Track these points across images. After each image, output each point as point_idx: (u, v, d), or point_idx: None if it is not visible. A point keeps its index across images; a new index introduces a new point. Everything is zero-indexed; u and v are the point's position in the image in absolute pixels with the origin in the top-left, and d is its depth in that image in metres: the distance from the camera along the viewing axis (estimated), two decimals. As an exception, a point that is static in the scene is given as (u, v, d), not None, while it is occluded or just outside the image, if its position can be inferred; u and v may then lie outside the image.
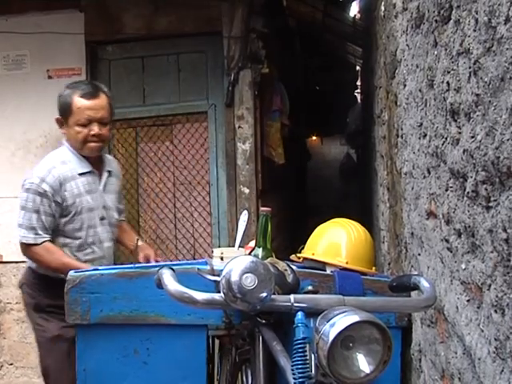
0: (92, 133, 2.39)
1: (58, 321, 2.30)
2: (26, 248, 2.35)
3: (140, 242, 2.67)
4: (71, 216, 2.38)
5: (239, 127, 3.97)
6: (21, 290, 2.55)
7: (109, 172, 2.55)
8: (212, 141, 4.09)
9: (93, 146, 2.42)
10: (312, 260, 2.01)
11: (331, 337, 1.12)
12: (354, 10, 7.01)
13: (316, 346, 1.16)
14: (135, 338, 1.79)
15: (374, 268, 2.03)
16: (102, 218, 2.48)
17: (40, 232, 2.32)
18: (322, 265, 1.97)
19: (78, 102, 2.37)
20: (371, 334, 1.16)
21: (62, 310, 2.25)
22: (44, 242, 2.32)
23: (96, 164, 2.49)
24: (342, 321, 1.13)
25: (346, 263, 1.94)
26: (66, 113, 2.40)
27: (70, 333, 2.26)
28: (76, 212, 2.39)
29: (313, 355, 1.19)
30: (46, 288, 2.38)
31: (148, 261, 2.52)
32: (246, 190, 3.98)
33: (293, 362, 1.21)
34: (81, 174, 2.42)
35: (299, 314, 1.25)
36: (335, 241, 2.03)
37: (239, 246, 2.09)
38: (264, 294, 1.21)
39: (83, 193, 2.41)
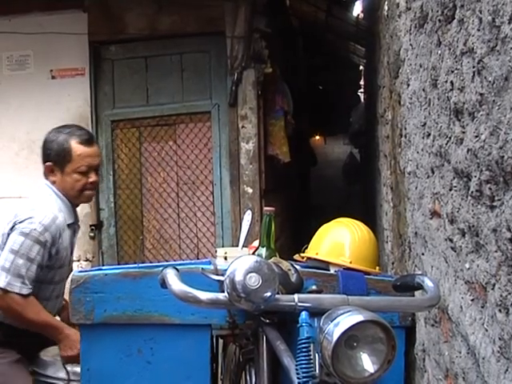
0: (90, 180, 2.27)
1: (14, 350, 2.20)
2: (4, 295, 2.09)
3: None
4: (57, 268, 2.23)
5: (242, 127, 3.98)
6: None
7: (78, 224, 2.42)
8: (215, 140, 4.09)
9: (89, 194, 2.33)
10: (316, 260, 2.01)
11: (335, 336, 1.12)
12: (357, 10, 7.00)
13: (320, 346, 1.16)
14: (139, 337, 1.79)
15: (377, 268, 2.03)
16: (68, 271, 2.33)
17: (27, 282, 2.10)
18: (326, 264, 1.97)
19: (78, 148, 2.23)
20: (375, 333, 1.16)
21: (18, 345, 2.19)
22: (29, 294, 2.11)
23: (75, 214, 2.36)
24: (346, 320, 1.13)
25: (350, 263, 1.94)
26: (62, 159, 2.23)
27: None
28: (61, 265, 2.25)
29: (317, 355, 1.19)
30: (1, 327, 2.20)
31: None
32: (250, 190, 3.98)
33: (297, 361, 1.21)
34: (68, 225, 2.26)
35: (303, 314, 1.24)
36: (339, 240, 2.03)
37: (243, 246, 2.09)
38: (268, 294, 1.21)
39: (68, 245, 2.26)
